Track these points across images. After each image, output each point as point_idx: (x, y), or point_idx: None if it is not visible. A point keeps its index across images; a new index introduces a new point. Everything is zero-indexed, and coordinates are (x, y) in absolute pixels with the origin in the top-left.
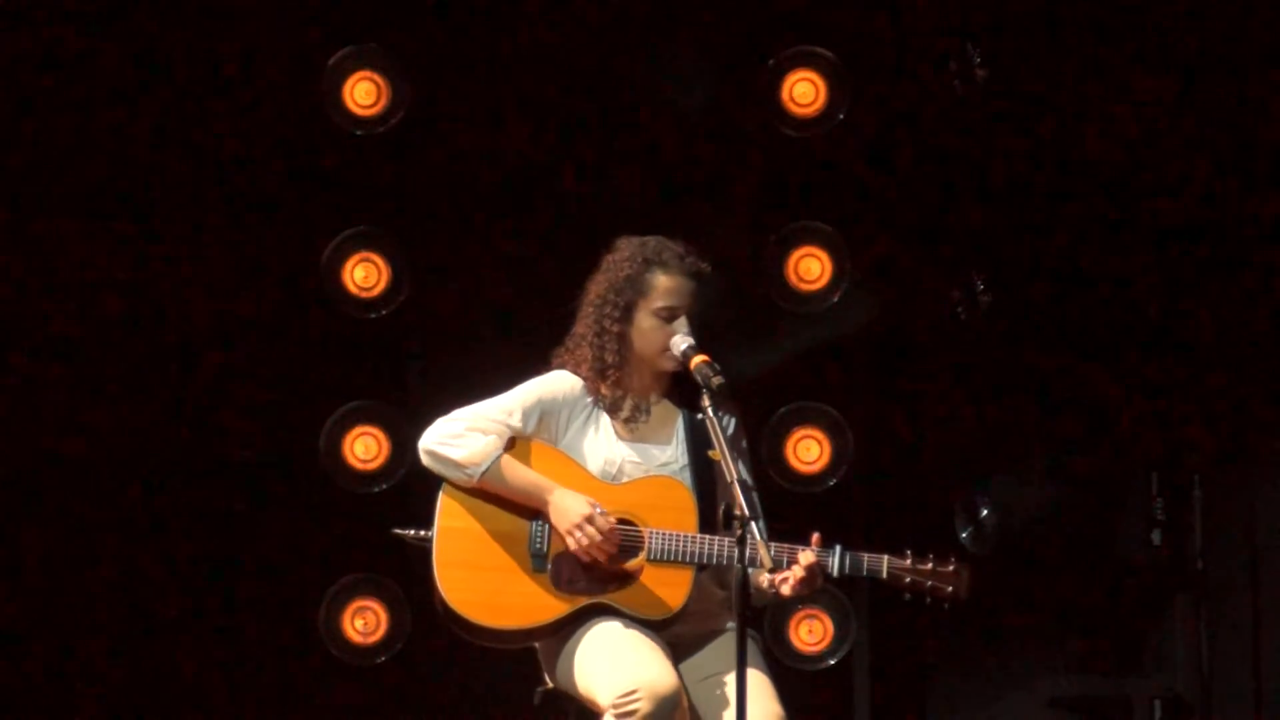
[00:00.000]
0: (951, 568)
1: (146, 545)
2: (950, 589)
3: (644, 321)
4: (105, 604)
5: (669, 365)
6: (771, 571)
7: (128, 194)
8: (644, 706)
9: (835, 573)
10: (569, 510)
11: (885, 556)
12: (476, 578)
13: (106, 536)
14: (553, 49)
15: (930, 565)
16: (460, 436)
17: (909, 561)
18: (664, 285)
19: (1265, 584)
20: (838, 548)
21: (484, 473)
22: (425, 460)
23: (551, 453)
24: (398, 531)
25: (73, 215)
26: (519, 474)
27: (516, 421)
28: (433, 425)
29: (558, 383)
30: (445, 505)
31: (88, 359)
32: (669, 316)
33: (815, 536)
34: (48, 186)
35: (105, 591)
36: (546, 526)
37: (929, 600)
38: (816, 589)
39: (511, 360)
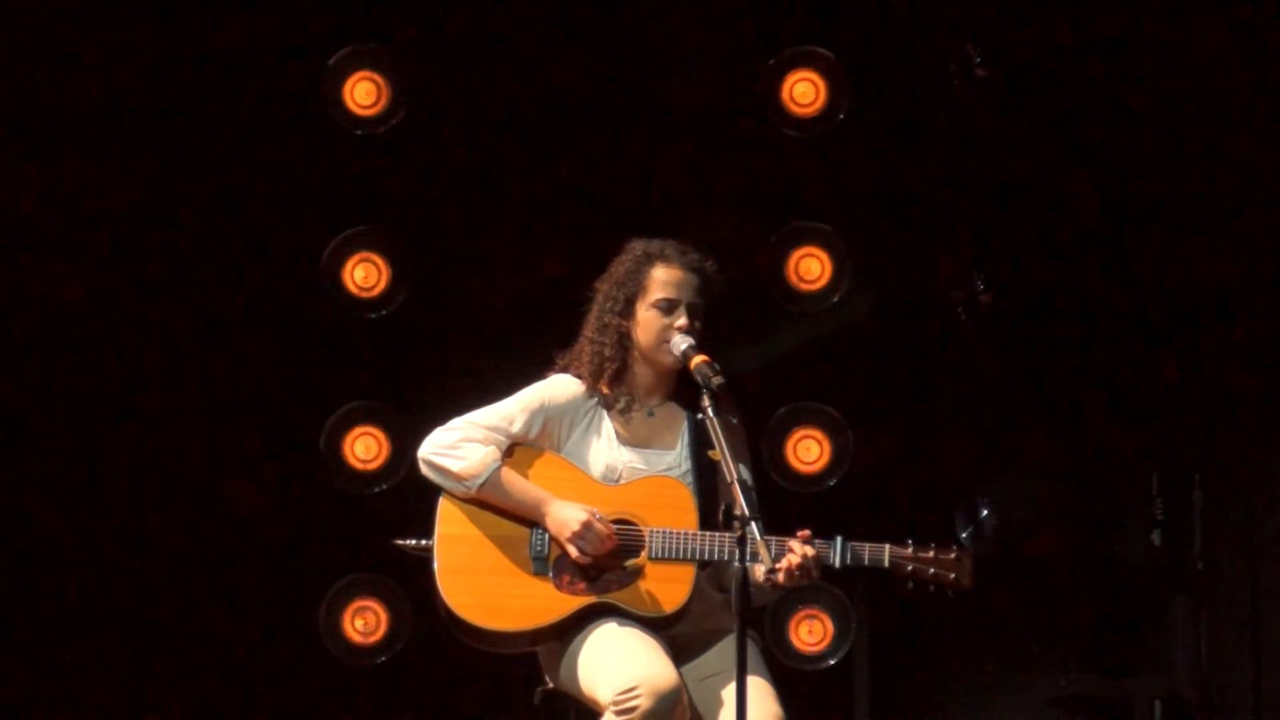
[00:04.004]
0: (954, 555)
1: (146, 544)
2: (953, 576)
3: (644, 315)
4: (104, 603)
5: (668, 359)
6: (770, 572)
7: (127, 194)
8: (644, 703)
9: (837, 564)
10: (567, 520)
11: (886, 546)
12: (478, 582)
13: (106, 535)
14: (553, 49)
15: (932, 553)
16: (457, 447)
17: (910, 550)
18: (662, 277)
19: (1265, 584)
20: (838, 539)
21: (481, 485)
22: (423, 470)
23: (552, 459)
24: (398, 542)
25: (72, 215)
26: (516, 486)
27: (517, 429)
28: (430, 435)
29: (559, 388)
30: (445, 512)
31: (87, 358)
32: (668, 308)
33: (804, 532)
34: (44, 185)
35: (104, 591)
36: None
37: (932, 589)
38: (813, 579)
39: (512, 360)
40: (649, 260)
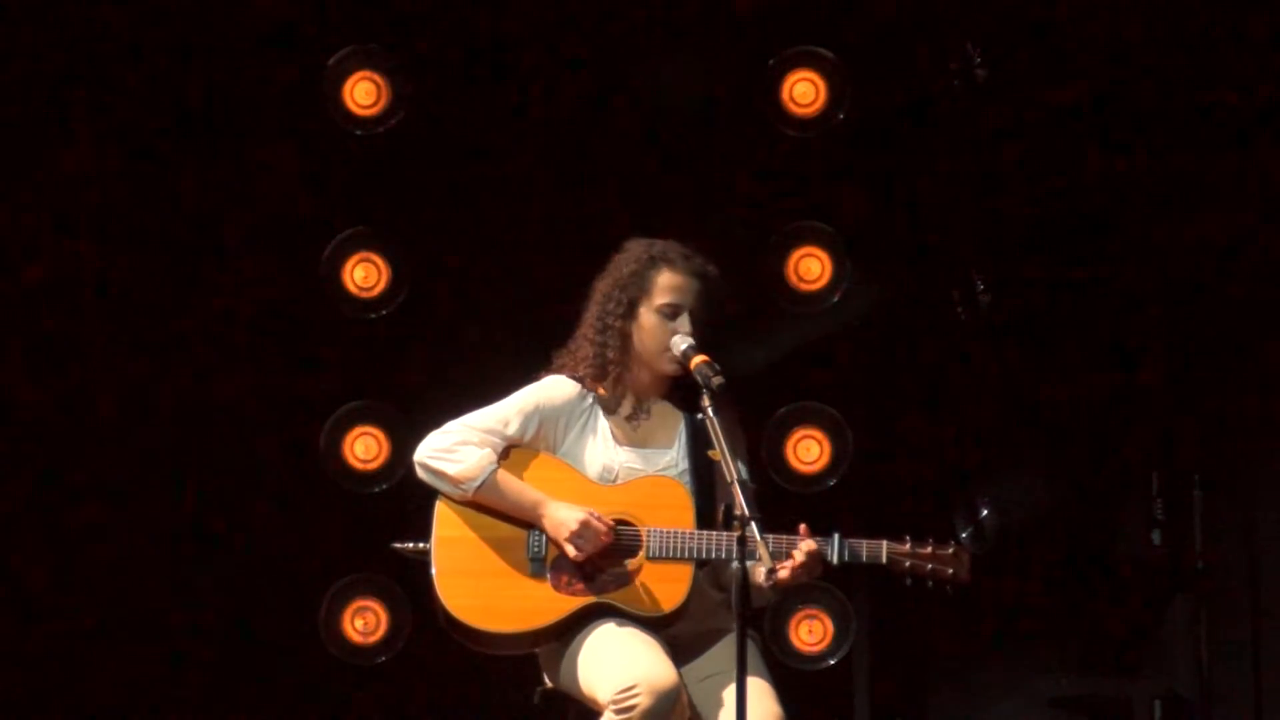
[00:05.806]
0: (951, 550)
1: (147, 545)
2: (951, 571)
3: (647, 319)
4: (105, 604)
5: (669, 367)
6: (770, 571)
7: (126, 194)
8: (643, 701)
9: (835, 560)
10: (564, 520)
11: (884, 542)
12: (477, 584)
13: (106, 537)
14: (553, 49)
15: (930, 549)
16: (453, 451)
17: (908, 546)
18: (667, 282)
19: (1265, 584)
20: (835, 536)
21: (478, 488)
22: (420, 474)
23: (548, 461)
24: (396, 545)
25: (72, 215)
26: (512, 489)
27: (513, 431)
28: (426, 438)
29: (555, 389)
30: (442, 515)
31: (87, 359)
32: (671, 314)
33: (803, 527)
34: (43, 184)
35: (104, 592)
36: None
37: (931, 584)
38: (816, 576)
39: (512, 360)
40: (654, 264)
